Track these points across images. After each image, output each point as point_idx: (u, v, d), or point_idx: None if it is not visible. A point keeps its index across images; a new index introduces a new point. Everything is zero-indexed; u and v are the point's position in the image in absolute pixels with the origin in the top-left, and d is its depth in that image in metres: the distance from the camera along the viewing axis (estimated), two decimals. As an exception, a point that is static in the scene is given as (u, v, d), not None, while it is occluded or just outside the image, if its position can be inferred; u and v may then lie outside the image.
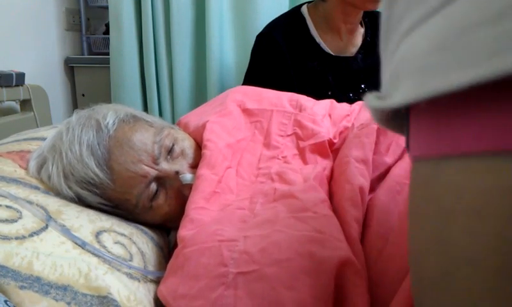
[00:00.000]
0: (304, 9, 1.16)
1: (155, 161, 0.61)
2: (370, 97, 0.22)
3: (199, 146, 0.68)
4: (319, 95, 0.83)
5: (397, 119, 0.23)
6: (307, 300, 0.40)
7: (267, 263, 0.44)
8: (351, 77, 1.12)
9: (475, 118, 0.15)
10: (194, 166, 0.64)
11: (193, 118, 0.74)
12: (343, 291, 0.43)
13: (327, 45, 1.12)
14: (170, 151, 0.63)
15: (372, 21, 1.17)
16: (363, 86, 1.13)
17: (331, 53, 1.11)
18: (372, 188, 0.58)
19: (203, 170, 0.60)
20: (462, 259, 0.16)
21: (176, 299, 0.45)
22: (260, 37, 1.17)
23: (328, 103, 0.78)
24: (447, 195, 0.17)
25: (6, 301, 0.40)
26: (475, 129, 0.15)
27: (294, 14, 1.16)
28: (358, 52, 1.14)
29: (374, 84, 1.14)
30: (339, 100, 0.82)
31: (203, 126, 0.67)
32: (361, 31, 1.17)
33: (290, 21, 1.15)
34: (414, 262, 0.21)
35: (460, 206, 0.16)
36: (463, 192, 0.16)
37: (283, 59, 1.10)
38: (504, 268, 0.14)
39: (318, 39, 1.11)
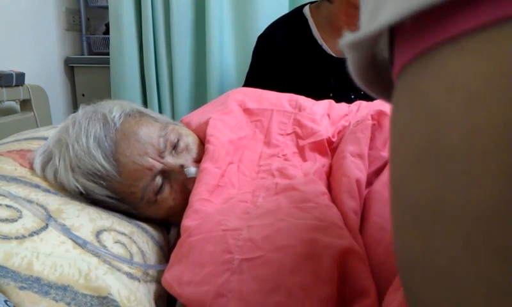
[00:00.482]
0: (306, 10, 1.15)
1: (161, 154, 0.62)
2: (347, 34, 0.18)
3: (202, 143, 0.69)
4: (320, 97, 0.83)
5: (374, 71, 0.21)
6: (311, 283, 0.41)
7: (271, 249, 0.44)
8: (352, 79, 1.11)
9: None
10: (198, 161, 0.65)
11: (195, 117, 0.76)
12: (348, 278, 0.43)
13: (329, 47, 1.11)
14: (175, 145, 0.64)
15: None
16: None
17: (334, 55, 1.11)
18: (370, 182, 0.59)
19: (206, 163, 0.61)
20: (455, 153, 0.14)
21: (181, 285, 0.46)
22: (262, 38, 1.17)
23: (326, 104, 0.79)
24: (435, 89, 0.15)
25: (6, 301, 0.40)
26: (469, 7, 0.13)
27: (296, 15, 1.16)
28: None
29: None
30: (340, 101, 0.83)
31: (206, 123, 0.68)
32: None
33: (292, 22, 1.14)
34: (396, 188, 0.18)
35: (454, 96, 0.14)
36: (456, 80, 0.14)
37: (284, 60, 1.10)
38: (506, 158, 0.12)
39: (320, 41, 1.11)
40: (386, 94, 0.20)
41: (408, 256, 0.17)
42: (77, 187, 0.59)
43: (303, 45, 1.11)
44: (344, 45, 0.19)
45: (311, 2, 1.17)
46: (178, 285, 0.46)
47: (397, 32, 0.18)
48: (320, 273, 0.42)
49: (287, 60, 1.10)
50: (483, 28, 0.13)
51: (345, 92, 1.09)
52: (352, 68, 0.21)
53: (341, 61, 1.11)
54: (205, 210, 0.55)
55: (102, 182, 0.59)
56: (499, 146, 0.12)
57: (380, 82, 0.21)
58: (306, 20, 1.13)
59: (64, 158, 0.59)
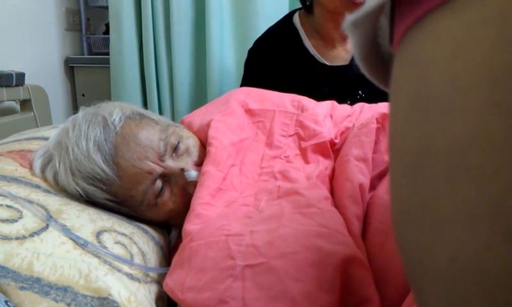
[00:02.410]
0: (296, 18, 1.13)
1: (161, 158, 0.61)
2: (348, 16, 0.20)
3: (203, 145, 0.68)
4: None
5: (376, 55, 0.22)
6: (314, 291, 0.41)
7: (274, 256, 0.44)
8: (348, 85, 1.10)
9: None
10: (199, 164, 0.64)
11: (197, 117, 0.75)
12: (350, 286, 0.43)
13: (321, 55, 1.10)
14: (175, 148, 0.64)
15: None
16: (360, 92, 1.12)
17: (327, 63, 1.09)
18: (373, 186, 0.58)
19: (208, 167, 0.60)
20: (443, 103, 0.15)
21: (184, 291, 0.45)
22: (252, 52, 1.15)
23: (329, 104, 0.79)
24: (426, 45, 0.16)
25: (6, 301, 0.40)
26: None
27: (285, 25, 1.14)
28: (353, 58, 1.12)
29: (371, 89, 1.14)
30: None
31: (208, 125, 0.68)
32: None
33: (282, 33, 1.12)
34: (391, 146, 0.20)
35: (442, 49, 0.15)
36: (443, 35, 0.15)
37: (275, 73, 1.09)
38: (491, 100, 0.14)
39: (312, 50, 1.09)
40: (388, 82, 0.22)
41: (399, 205, 0.19)
42: (77, 190, 0.59)
43: (295, 55, 1.09)
44: (346, 26, 0.20)
45: (301, 8, 1.15)
46: (180, 291, 0.46)
47: (395, 11, 0.19)
48: (323, 281, 0.42)
49: (278, 72, 1.09)
50: None
51: (341, 98, 1.09)
52: (356, 50, 0.22)
53: (334, 69, 1.09)
54: (207, 214, 0.54)
55: (102, 186, 0.58)
56: (478, 84, 0.14)
57: (383, 69, 0.23)
58: (296, 30, 1.11)
59: (64, 162, 0.59)
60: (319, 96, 0.82)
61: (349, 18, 0.20)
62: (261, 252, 0.45)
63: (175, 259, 0.51)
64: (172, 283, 0.48)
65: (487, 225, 0.14)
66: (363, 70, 0.23)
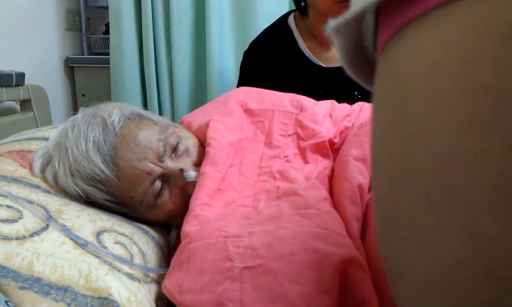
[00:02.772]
0: (291, 20, 1.13)
1: (160, 158, 0.61)
2: (331, 20, 0.20)
3: (202, 145, 0.68)
4: None
5: (362, 57, 0.22)
6: (312, 293, 0.41)
7: (272, 257, 0.44)
8: (344, 86, 1.10)
9: None
10: (198, 164, 0.64)
11: (196, 117, 0.75)
12: (349, 287, 0.43)
13: (316, 57, 1.09)
14: (175, 149, 0.64)
15: None
16: (356, 93, 1.12)
17: (322, 65, 1.09)
18: None
19: (207, 167, 0.60)
20: (420, 123, 0.15)
21: (182, 293, 0.45)
22: (247, 54, 1.15)
23: (328, 104, 0.78)
24: (405, 58, 0.16)
25: (6, 301, 0.40)
26: None
27: (280, 26, 1.14)
28: None
29: (367, 90, 1.14)
30: None
31: (207, 125, 0.68)
32: None
33: (277, 35, 1.12)
34: (373, 159, 0.20)
35: (419, 64, 0.15)
36: (420, 51, 0.15)
37: (271, 75, 1.09)
38: (466, 119, 0.14)
39: (307, 52, 1.09)
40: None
41: (382, 217, 0.19)
42: (77, 191, 0.59)
43: (290, 57, 1.09)
44: (329, 31, 0.20)
45: (296, 10, 1.15)
46: (178, 293, 0.46)
47: (379, 18, 0.19)
48: (322, 283, 0.41)
49: (274, 74, 1.09)
50: (441, 7, 0.15)
51: (337, 101, 1.09)
52: (340, 54, 0.22)
53: (330, 71, 1.09)
54: (206, 215, 0.54)
55: (101, 187, 0.59)
56: (454, 102, 0.14)
57: (368, 70, 0.23)
58: (291, 32, 1.11)
59: (63, 163, 0.59)
60: (314, 98, 0.83)
61: (331, 23, 0.20)
62: (259, 254, 0.45)
63: (174, 260, 0.51)
64: (170, 285, 0.48)
65: (461, 242, 0.14)
66: (349, 72, 0.23)
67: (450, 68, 0.14)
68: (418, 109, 0.15)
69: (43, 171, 0.61)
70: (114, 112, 0.63)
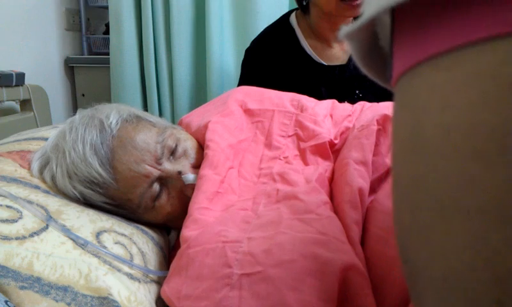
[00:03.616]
0: (293, 18, 1.13)
1: (158, 161, 0.61)
2: (344, 27, 0.22)
3: (201, 147, 0.68)
4: None
5: (377, 56, 0.24)
6: (311, 301, 0.41)
7: (271, 264, 0.44)
8: (345, 85, 1.10)
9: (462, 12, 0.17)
10: (197, 166, 0.64)
11: (195, 118, 0.74)
12: (348, 294, 0.43)
13: (318, 55, 1.10)
14: (173, 151, 0.63)
15: None
16: (357, 91, 1.12)
17: (323, 63, 1.09)
18: (373, 190, 0.58)
19: (205, 170, 0.60)
20: (435, 154, 0.18)
21: (180, 300, 0.45)
22: (249, 52, 1.15)
23: (329, 104, 0.78)
24: (421, 93, 0.18)
25: (6, 301, 0.40)
26: (457, 23, 0.17)
27: (282, 24, 1.14)
28: (350, 58, 1.11)
29: (368, 89, 1.14)
30: None
31: (205, 127, 0.67)
32: None
33: (279, 33, 1.12)
34: (393, 187, 0.22)
35: (434, 101, 0.18)
36: (436, 88, 0.18)
37: (272, 73, 1.09)
38: (474, 152, 0.16)
39: (309, 50, 1.09)
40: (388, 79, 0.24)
41: (402, 228, 0.21)
42: (75, 194, 0.59)
43: (291, 55, 1.09)
44: (342, 37, 0.22)
45: (298, 8, 1.15)
46: (177, 299, 0.45)
47: (394, 38, 0.21)
48: (321, 290, 0.41)
49: (275, 72, 1.09)
50: (456, 49, 0.17)
51: (338, 100, 1.09)
52: (354, 55, 0.24)
53: (331, 69, 1.09)
54: (205, 219, 0.54)
55: (98, 189, 0.58)
56: (463, 136, 0.16)
57: (383, 68, 0.24)
58: (293, 30, 1.11)
59: (61, 165, 0.59)
60: (316, 96, 0.83)
61: (344, 30, 0.21)
62: (258, 261, 0.44)
63: (173, 266, 0.51)
64: (169, 291, 0.47)
65: (472, 252, 0.16)
66: (365, 72, 0.25)
67: (461, 107, 0.16)
68: (433, 139, 0.18)
69: (41, 172, 0.61)
70: (111, 114, 0.62)
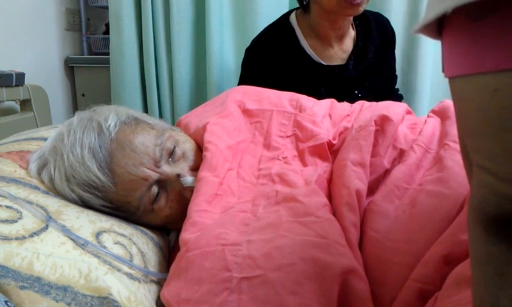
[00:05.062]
0: (292, 18, 1.13)
1: (157, 164, 0.61)
2: (413, 28, 0.28)
3: (200, 148, 0.68)
4: None
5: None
6: (311, 305, 0.41)
7: (271, 268, 0.44)
8: (344, 85, 1.10)
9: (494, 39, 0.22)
10: (195, 168, 0.64)
11: (194, 119, 0.74)
12: (347, 299, 0.43)
13: (317, 55, 1.10)
14: (171, 153, 0.63)
15: (363, 24, 1.15)
16: (356, 91, 1.12)
17: (323, 63, 1.09)
18: (371, 191, 0.58)
19: (204, 172, 0.60)
20: None
21: (180, 303, 0.45)
22: (249, 51, 1.16)
23: (328, 103, 0.78)
24: (462, 98, 0.26)
25: (6, 301, 0.40)
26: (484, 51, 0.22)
27: (282, 24, 1.14)
28: (350, 58, 1.11)
29: (367, 88, 1.14)
30: None
31: (204, 128, 0.67)
32: (352, 35, 1.14)
33: (278, 32, 1.13)
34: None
35: (470, 104, 0.25)
36: (469, 96, 0.25)
37: (272, 72, 1.09)
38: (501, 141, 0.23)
39: (308, 50, 1.10)
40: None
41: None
42: (73, 197, 0.58)
43: (291, 55, 1.09)
44: (414, 32, 0.28)
45: (298, 8, 1.15)
46: (176, 303, 0.45)
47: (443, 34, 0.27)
48: (321, 294, 0.41)
49: (275, 71, 1.09)
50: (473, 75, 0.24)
51: (337, 100, 1.09)
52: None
53: (331, 69, 1.09)
54: (204, 221, 0.54)
55: (97, 193, 0.58)
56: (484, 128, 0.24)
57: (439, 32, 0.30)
58: (293, 29, 1.11)
59: (59, 168, 0.59)
60: (315, 96, 0.83)
61: (415, 27, 0.28)
62: (258, 264, 0.44)
63: (172, 269, 0.51)
64: (169, 295, 0.47)
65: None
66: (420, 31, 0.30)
67: (483, 110, 0.24)
68: (471, 124, 0.25)
69: (39, 173, 0.61)
70: (110, 116, 0.62)
